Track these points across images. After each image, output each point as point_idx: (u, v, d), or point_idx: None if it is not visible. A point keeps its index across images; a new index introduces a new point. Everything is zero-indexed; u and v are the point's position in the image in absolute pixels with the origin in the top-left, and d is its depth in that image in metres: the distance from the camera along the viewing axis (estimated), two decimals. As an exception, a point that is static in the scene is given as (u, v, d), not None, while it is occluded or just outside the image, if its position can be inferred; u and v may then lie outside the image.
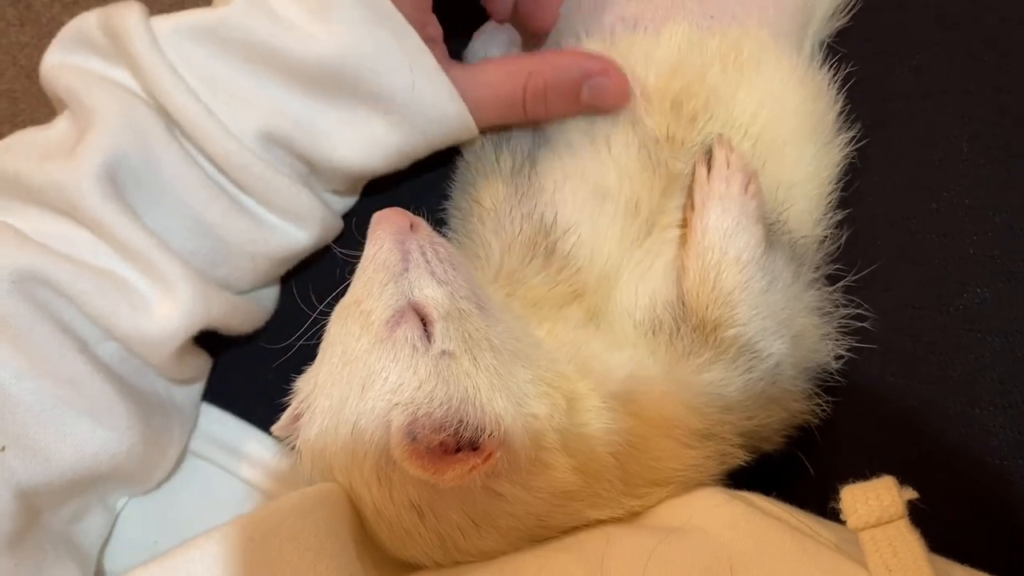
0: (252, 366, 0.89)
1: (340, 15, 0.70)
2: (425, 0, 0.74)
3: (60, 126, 0.75)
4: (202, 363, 0.85)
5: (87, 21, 0.75)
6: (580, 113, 0.81)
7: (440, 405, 0.63)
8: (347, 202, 0.87)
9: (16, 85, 1.64)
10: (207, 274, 0.76)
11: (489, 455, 0.61)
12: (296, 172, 0.78)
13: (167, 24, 0.73)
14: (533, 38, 0.89)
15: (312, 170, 0.79)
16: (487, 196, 0.83)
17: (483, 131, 0.80)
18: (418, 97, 0.73)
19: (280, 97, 0.74)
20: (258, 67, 0.73)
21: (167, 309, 0.72)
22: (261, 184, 0.75)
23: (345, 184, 0.83)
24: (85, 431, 0.69)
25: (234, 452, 0.84)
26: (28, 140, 0.75)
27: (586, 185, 0.80)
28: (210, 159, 0.74)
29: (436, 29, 0.77)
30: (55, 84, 0.75)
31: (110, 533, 0.80)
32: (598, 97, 0.77)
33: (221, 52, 0.73)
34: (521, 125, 0.84)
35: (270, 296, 0.88)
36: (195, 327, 0.74)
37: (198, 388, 0.86)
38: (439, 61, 0.73)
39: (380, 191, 0.88)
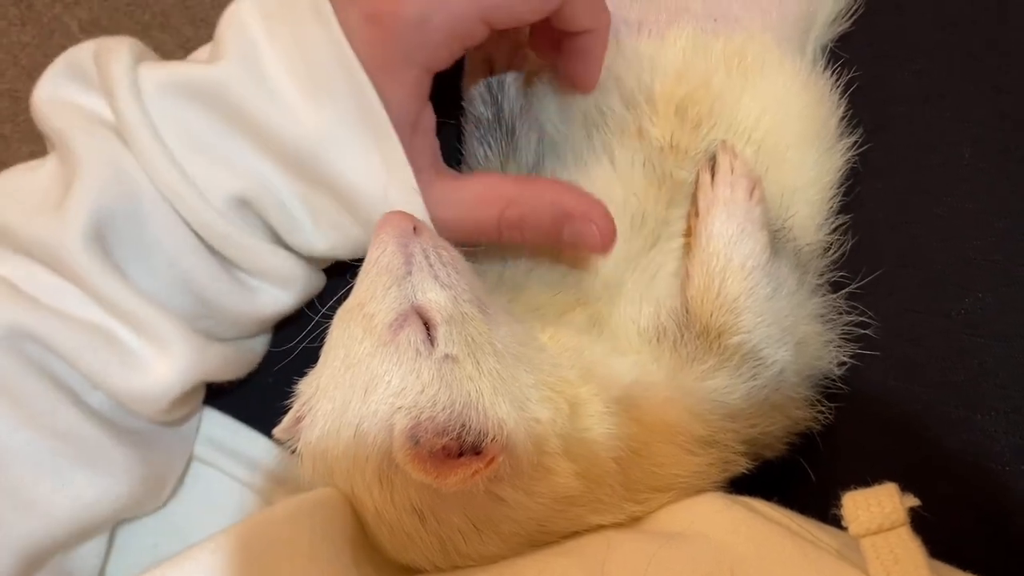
0: (252, 370, 0.89)
1: (331, 106, 0.69)
2: (421, 88, 0.72)
3: (48, 169, 0.73)
4: (196, 400, 0.83)
5: (81, 52, 0.74)
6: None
7: (443, 409, 0.63)
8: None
9: (18, 85, 1.64)
10: (191, 326, 0.75)
11: (492, 459, 0.60)
12: (272, 236, 0.77)
13: (156, 76, 0.71)
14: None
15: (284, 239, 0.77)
16: None
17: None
18: (389, 207, 0.71)
19: (259, 168, 0.72)
20: (242, 134, 0.71)
21: (163, 367, 0.71)
22: (241, 252, 0.74)
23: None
24: (82, 481, 0.68)
25: (233, 455, 0.84)
26: (16, 185, 0.73)
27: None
28: (188, 225, 0.73)
29: (430, 120, 0.75)
30: (45, 121, 0.73)
31: (111, 530, 0.79)
32: (579, 241, 0.74)
33: (205, 113, 0.71)
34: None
35: (262, 341, 0.87)
36: (190, 383, 0.73)
37: (196, 422, 0.84)
38: (422, 164, 0.72)
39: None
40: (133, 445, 0.72)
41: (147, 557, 0.76)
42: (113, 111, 0.71)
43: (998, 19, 0.85)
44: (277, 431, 0.72)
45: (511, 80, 0.84)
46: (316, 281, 0.83)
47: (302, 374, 0.73)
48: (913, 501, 0.59)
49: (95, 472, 0.69)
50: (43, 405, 0.67)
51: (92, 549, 0.74)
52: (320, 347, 0.72)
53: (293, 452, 0.72)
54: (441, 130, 0.87)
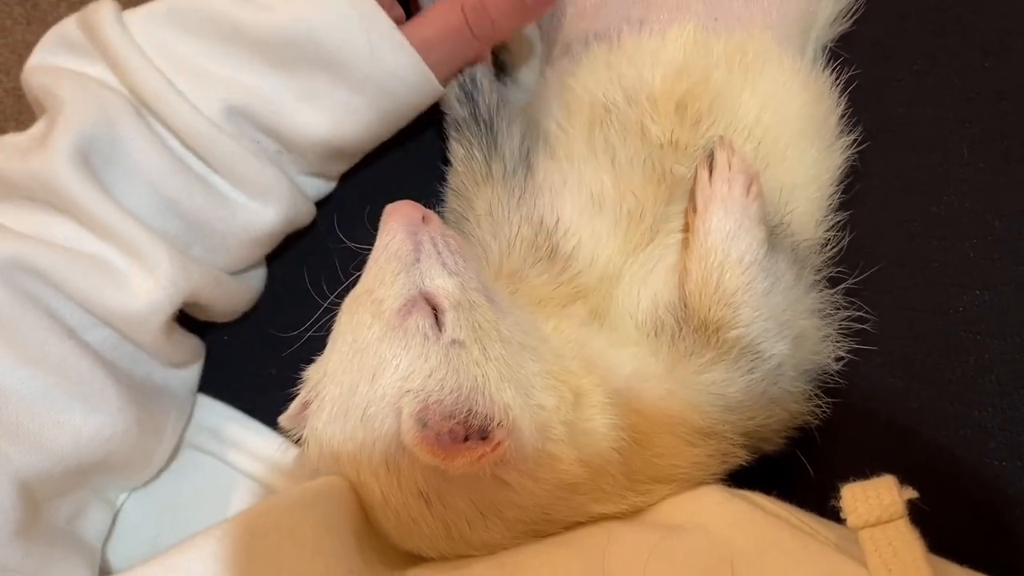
0: (254, 361, 0.89)
1: None
2: None
3: (37, 125, 0.77)
4: (194, 346, 0.86)
5: (67, 24, 0.78)
6: (529, 23, 0.84)
7: (450, 393, 0.64)
8: (321, 187, 0.89)
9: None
10: (183, 253, 0.77)
11: (498, 444, 0.62)
12: (265, 150, 0.80)
13: (137, 14, 0.77)
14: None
15: (283, 147, 0.80)
16: (480, 202, 0.84)
17: (446, 79, 0.83)
18: (378, 60, 0.75)
19: (243, 72, 0.76)
20: (220, 43, 0.76)
21: (149, 283, 0.73)
22: (226, 157, 0.76)
23: (320, 160, 0.84)
24: (78, 417, 0.70)
25: (235, 445, 0.85)
26: (8, 141, 0.77)
27: (584, 193, 0.80)
28: (177, 136, 0.76)
29: (398, 12, 0.80)
30: (32, 84, 0.78)
31: (111, 527, 0.80)
32: None
33: (183, 32, 0.76)
34: (479, 57, 0.85)
35: (257, 276, 0.90)
36: (178, 297, 0.75)
37: (193, 374, 0.87)
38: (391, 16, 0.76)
39: (378, 192, 0.88)
40: (129, 388, 0.74)
41: (148, 547, 0.77)
42: (102, 47, 0.75)
43: (998, 23, 0.85)
44: (283, 418, 0.73)
45: (481, 74, 0.85)
46: (302, 204, 0.85)
47: (303, 364, 0.74)
48: (911, 493, 0.59)
49: (90, 408, 0.70)
50: (38, 337, 0.69)
51: (97, 516, 0.77)
52: (322, 337, 0.73)
53: (297, 442, 0.72)
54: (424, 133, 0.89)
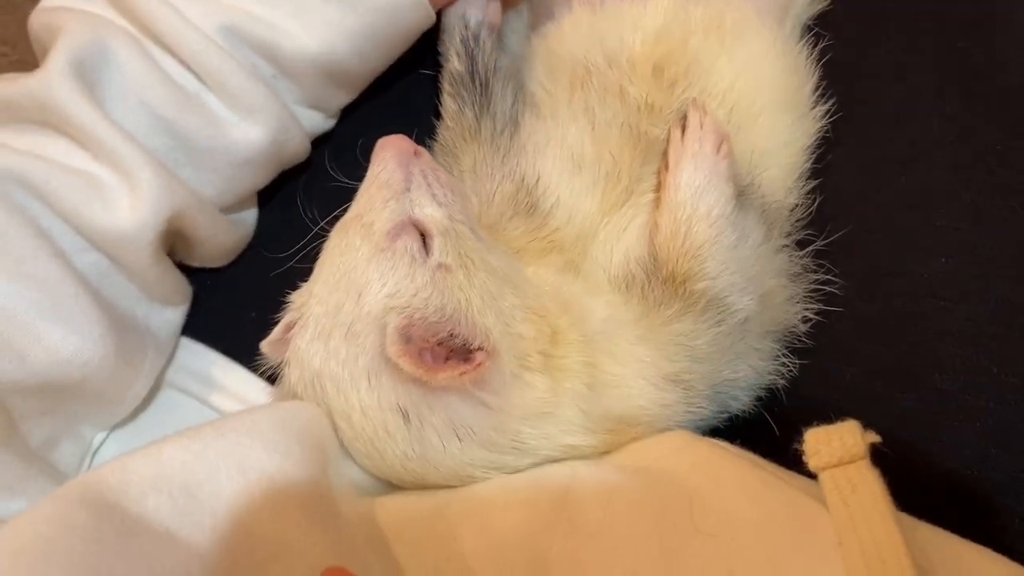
0: (236, 304, 0.90)
1: None
2: None
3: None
4: (181, 286, 0.86)
5: None
6: None
7: (435, 312, 0.67)
8: (318, 122, 0.89)
9: (28, 57, 1.63)
10: (171, 173, 0.78)
11: (478, 364, 0.64)
12: (260, 73, 0.80)
13: None
14: None
15: (278, 69, 0.81)
16: (466, 158, 0.85)
17: (442, 5, 0.84)
18: None
19: (242, 3, 0.78)
20: None
21: (133, 200, 0.74)
22: (218, 72, 0.77)
23: (316, 87, 0.84)
24: (57, 336, 0.70)
25: (218, 388, 0.85)
26: (12, 74, 0.79)
27: (565, 153, 0.82)
28: (173, 53, 0.77)
29: None
30: (36, 28, 0.79)
31: (91, 466, 0.81)
32: None
33: None
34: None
35: (247, 217, 0.90)
36: (163, 216, 0.75)
37: (178, 316, 0.86)
38: None
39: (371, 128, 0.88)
40: (110, 318, 0.75)
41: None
42: None
43: (974, 6, 0.87)
44: (265, 343, 0.75)
45: (486, 35, 0.87)
46: (293, 130, 0.84)
47: (283, 305, 0.75)
48: (874, 438, 0.61)
49: (70, 330, 0.71)
50: (24, 251, 0.70)
51: (69, 450, 0.78)
52: (301, 275, 0.74)
53: (274, 378, 0.73)
54: (420, 85, 0.90)
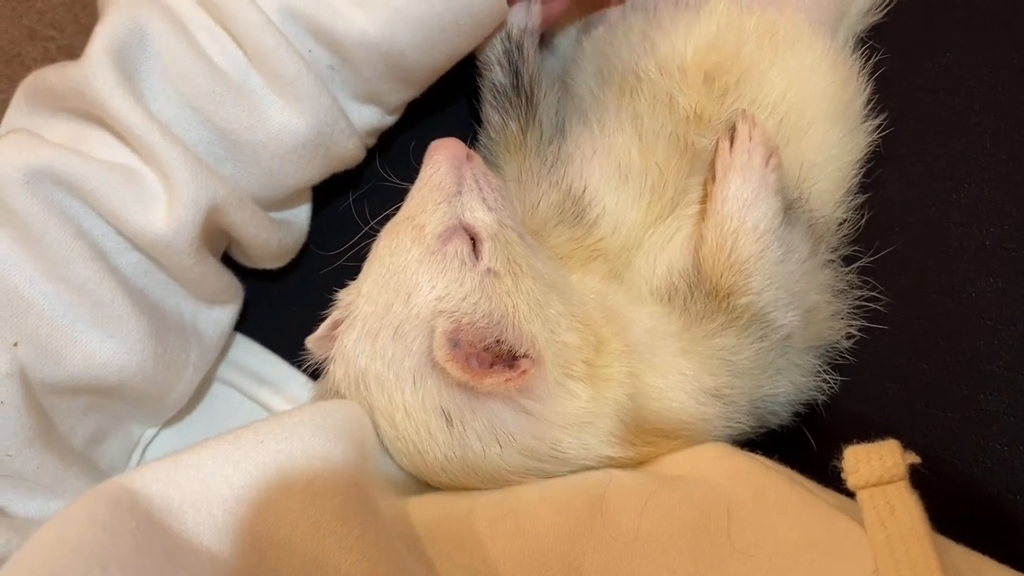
0: (283, 299, 0.92)
1: None
2: None
3: None
4: (229, 284, 0.85)
5: None
6: None
7: (483, 317, 0.68)
8: (375, 118, 0.85)
9: (75, 41, 1.65)
10: (210, 169, 0.76)
11: (523, 372, 0.66)
12: (315, 62, 0.78)
13: None
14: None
15: (336, 58, 0.78)
16: (511, 168, 0.86)
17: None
18: None
19: None
20: None
21: (171, 199, 0.73)
22: (272, 52, 0.74)
23: (375, 78, 0.80)
24: (95, 341, 0.71)
25: (263, 382, 0.87)
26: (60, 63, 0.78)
27: (612, 163, 0.82)
28: (224, 24, 0.75)
29: None
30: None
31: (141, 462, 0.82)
32: None
33: None
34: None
35: (299, 216, 0.88)
36: (200, 214, 0.74)
37: (227, 316, 0.86)
38: None
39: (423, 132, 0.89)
40: (151, 319, 0.75)
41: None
42: None
43: (1027, 19, 0.86)
44: (311, 339, 0.76)
45: (529, 43, 0.86)
46: (341, 125, 0.81)
47: (330, 303, 0.76)
48: (914, 458, 0.60)
49: (107, 335, 0.72)
50: (63, 255, 0.71)
51: (115, 446, 0.79)
52: (347, 277, 0.75)
53: (317, 374, 0.75)
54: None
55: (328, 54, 0.78)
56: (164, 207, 0.73)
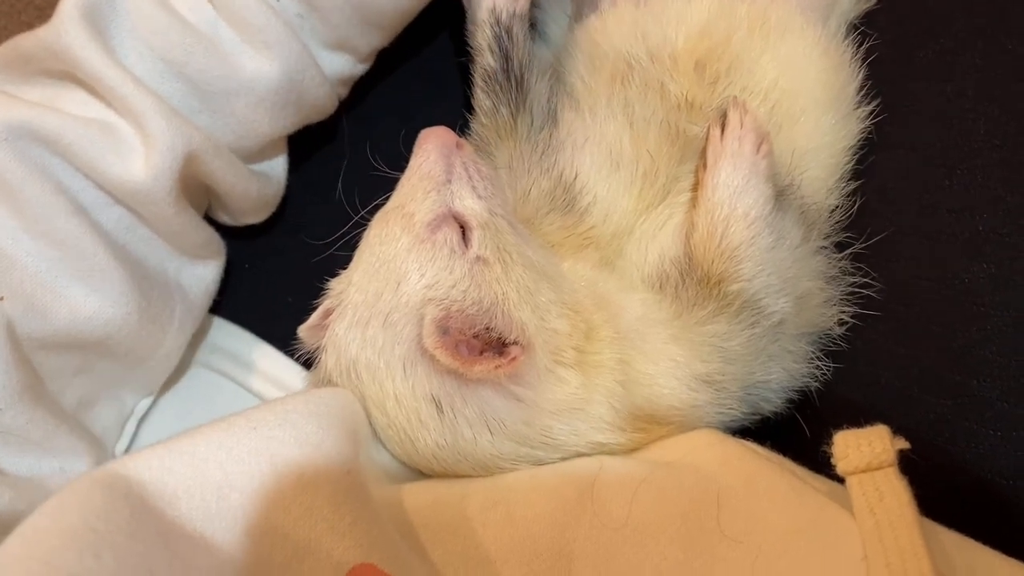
0: (274, 288, 0.92)
1: None
2: None
3: None
4: (210, 239, 0.85)
5: None
6: None
7: (472, 304, 0.68)
8: (347, 66, 0.86)
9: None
10: (185, 118, 0.77)
11: (513, 359, 0.66)
12: (284, 10, 0.78)
13: None
14: None
15: (303, 3, 0.78)
16: (502, 154, 0.85)
17: None
18: None
19: None
20: None
21: (147, 149, 0.73)
22: (236, 2, 0.75)
23: (345, 23, 0.81)
24: (79, 294, 0.72)
25: (254, 370, 0.87)
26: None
27: (603, 150, 0.81)
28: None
29: None
30: None
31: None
32: None
33: None
34: None
35: (275, 168, 0.88)
36: (177, 161, 0.74)
37: (210, 274, 0.86)
38: None
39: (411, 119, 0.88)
40: (134, 273, 0.75)
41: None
42: None
43: (1022, 6, 0.86)
44: (303, 328, 0.76)
45: (518, 28, 0.85)
46: (311, 71, 0.81)
47: (321, 289, 0.77)
48: (903, 444, 0.61)
49: (91, 288, 0.72)
50: (43, 210, 0.71)
51: (106, 412, 0.79)
52: (337, 263, 0.75)
53: (309, 363, 0.75)
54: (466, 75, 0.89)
55: (295, 2, 0.78)
56: (141, 157, 0.74)
